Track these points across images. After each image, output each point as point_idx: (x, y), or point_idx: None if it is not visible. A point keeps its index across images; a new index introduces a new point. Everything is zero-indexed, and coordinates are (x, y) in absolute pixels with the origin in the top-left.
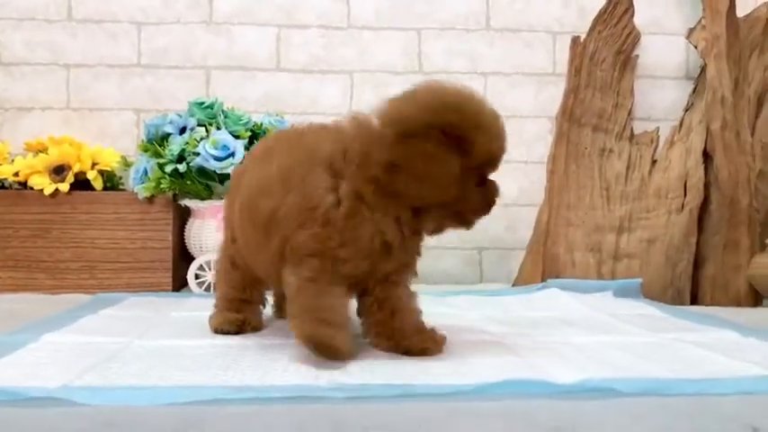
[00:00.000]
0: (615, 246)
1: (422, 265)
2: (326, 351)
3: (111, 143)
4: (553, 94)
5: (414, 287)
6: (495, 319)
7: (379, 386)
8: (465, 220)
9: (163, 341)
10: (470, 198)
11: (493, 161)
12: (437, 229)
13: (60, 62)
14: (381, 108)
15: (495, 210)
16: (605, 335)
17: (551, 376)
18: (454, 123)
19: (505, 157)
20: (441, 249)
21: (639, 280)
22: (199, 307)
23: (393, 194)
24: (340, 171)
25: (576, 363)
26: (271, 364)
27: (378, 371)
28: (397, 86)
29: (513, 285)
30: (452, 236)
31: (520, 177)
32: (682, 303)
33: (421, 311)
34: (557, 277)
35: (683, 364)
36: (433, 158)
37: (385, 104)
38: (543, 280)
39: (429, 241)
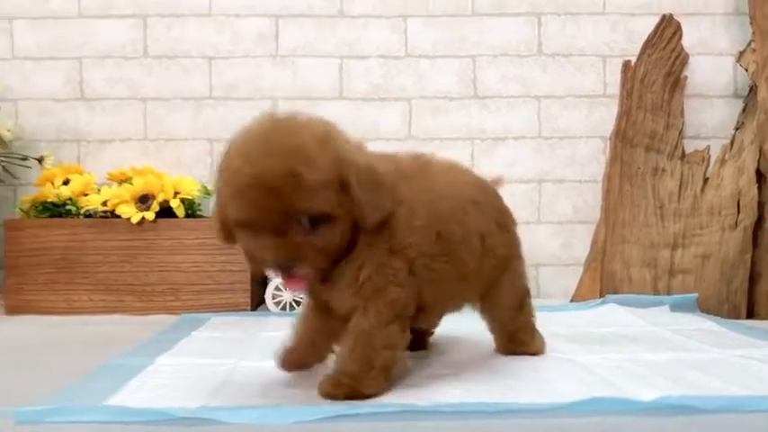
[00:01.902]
0: (670, 261)
1: None
2: None
3: (186, 171)
4: (604, 115)
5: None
6: (561, 336)
7: (476, 404)
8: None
9: (264, 362)
10: (241, 244)
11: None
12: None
13: (138, 96)
14: None
15: (550, 227)
16: (672, 351)
17: (632, 394)
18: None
19: (560, 176)
20: None
21: (695, 295)
22: (279, 326)
23: None
24: None
25: (651, 380)
26: None
27: (473, 389)
28: (454, 111)
29: (572, 301)
30: None
31: (574, 196)
32: (737, 317)
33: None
34: (614, 293)
35: (754, 381)
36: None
37: None
38: (601, 295)
39: None
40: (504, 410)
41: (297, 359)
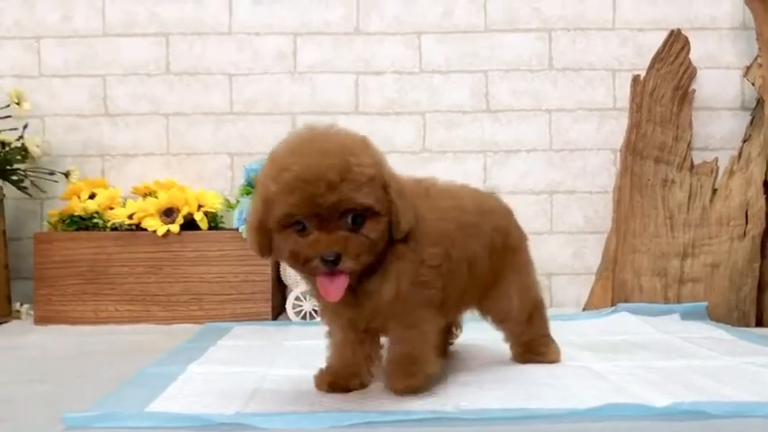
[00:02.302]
0: (680, 271)
1: None
2: None
3: (207, 185)
4: (614, 128)
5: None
6: (575, 344)
7: (500, 410)
8: (296, 267)
9: (292, 371)
10: (282, 251)
11: (296, 220)
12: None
13: (160, 112)
14: None
15: (562, 238)
16: (683, 359)
17: (646, 400)
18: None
19: (571, 188)
20: None
21: (705, 303)
22: (301, 336)
23: None
24: None
25: (663, 387)
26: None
27: (495, 395)
28: (467, 125)
29: (584, 309)
30: None
31: (585, 207)
32: (747, 325)
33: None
34: (626, 301)
35: (763, 387)
36: (250, 209)
37: None
38: (613, 304)
39: None
40: (526, 416)
41: (337, 383)
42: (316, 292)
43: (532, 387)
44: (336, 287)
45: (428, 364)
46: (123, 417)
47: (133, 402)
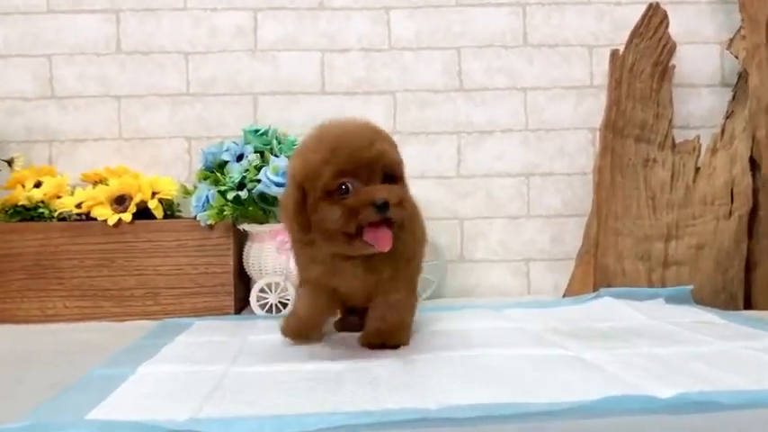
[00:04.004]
0: (664, 253)
1: (469, 278)
2: None
3: (163, 171)
4: (593, 106)
5: (462, 301)
6: (561, 332)
7: (489, 406)
8: (336, 238)
9: (257, 367)
10: (325, 216)
11: (343, 182)
12: (336, 248)
13: (111, 94)
14: None
15: (539, 221)
16: (676, 345)
17: (648, 391)
18: (296, 169)
19: (548, 169)
20: (487, 263)
21: (690, 287)
22: (267, 329)
23: None
24: None
25: (663, 376)
26: (374, 388)
27: (482, 389)
28: (440, 105)
29: (565, 296)
30: (498, 249)
31: (563, 189)
32: (735, 308)
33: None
34: (608, 286)
35: (763, 373)
36: (281, 206)
37: None
38: (595, 289)
39: (475, 254)
40: (520, 413)
41: (298, 329)
42: (360, 245)
43: (521, 380)
44: (386, 236)
45: (402, 336)
46: (58, 427)
47: (73, 410)
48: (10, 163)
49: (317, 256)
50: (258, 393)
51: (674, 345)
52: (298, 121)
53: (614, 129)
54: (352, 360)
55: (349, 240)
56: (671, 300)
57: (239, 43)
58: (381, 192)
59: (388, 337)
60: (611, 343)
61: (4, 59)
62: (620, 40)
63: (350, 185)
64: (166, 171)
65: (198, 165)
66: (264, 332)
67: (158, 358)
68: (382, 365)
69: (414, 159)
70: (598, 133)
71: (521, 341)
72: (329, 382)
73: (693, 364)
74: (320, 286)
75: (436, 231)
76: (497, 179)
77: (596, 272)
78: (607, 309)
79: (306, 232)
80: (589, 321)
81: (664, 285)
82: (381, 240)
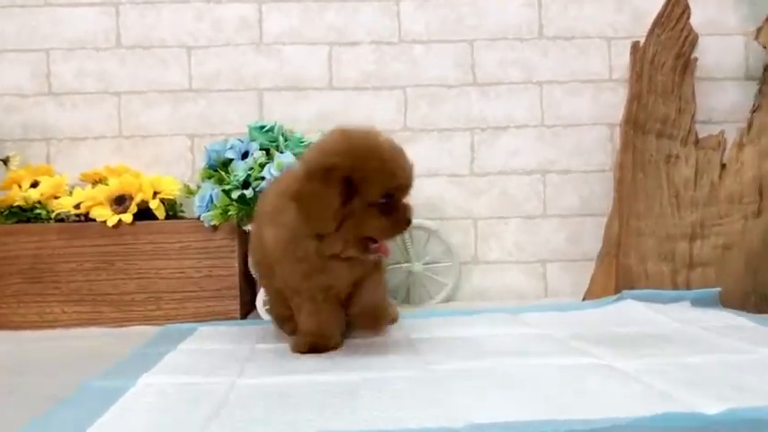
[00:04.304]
0: (689, 254)
1: (483, 280)
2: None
3: (165, 170)
4: (611, 101)
5: (477, 305)
6: (586, 338)
7: (523, 425)
8: (359, 244)
9: (265, 379)
10: (371, 225)
11: (389, 194)
12: (346, 252)
13: (111, 90)
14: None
15: (556, 221)
16: (713, 353)
17: (694, 406)
18: (340, 166)
19: (565, 166)
20: (502, 264)
21: (718, 289)
22: (278, 336)
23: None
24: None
25: (707, 389)
26: (394, 403)
27: (508, 406)
28: (452, 99)
29: (584, 299)
30: (513, 249)
31: (581, 187)
32: (766, 311)
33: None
34: (631, 288)
35: None
36: (315, 196)
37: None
38: (617, 292)
39: (489, 255)
40: (563, 430)
41: (317, 343)
42: (368, 252)
43: (552, 392)
44: (390, 247)
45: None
46: None
47: (68, 426)
48: (6, 162)
49: (308, 256)
50: (268, 410)
51: (707, 352)
52: (304, 117)
53: (635, 124)
54: (368, 370)
55: (366, 247)
56: (697, 303)
57: (243, 37)
58: (411, 210)
59: (380, 322)
60: (640, 350)
61: (0, 54)
62: (640, 31)
63: (394, 197)
64: (168, 170)
65: (201, 163)
66: (272, 339)
67: (160, 368)
68: (401, 377)
69: (425, 157)
70: (618, 129)
71: (545, 349)
72: (345, 395)
73: (732, 373)
74: (320, 294)
75: (449, 231)
76: (512, 177)
77: (618, 273)
78: (631, 312)
79: (331, 228)
80: (614, 326)
81: (689, 287)
82: (389, 250)
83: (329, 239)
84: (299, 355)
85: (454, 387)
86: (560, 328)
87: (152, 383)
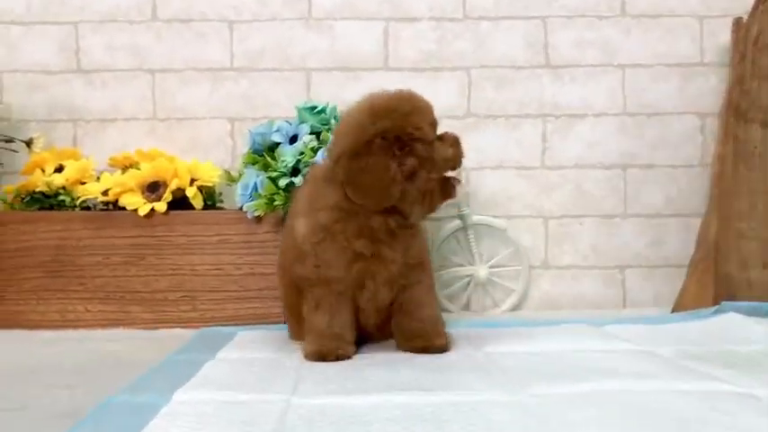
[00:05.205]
0: None
1: (554, 287)
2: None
3: (202, 155)
4: (702, 87)
5: (551, 314)
6: (697, 357)
7: None
8: (445, 189)
9: (325, 399)
10: (432, 165)
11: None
12: (425, 210)
13: (144, 67)
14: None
15: (638, 222)
16: None
17: None
18: (383, 129)
19: (649, 160)
20: (576, 269)
21: None
22: None
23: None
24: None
25: None
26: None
27: None
28: (521, 83)
29: (674, 310)
30: (588, 253)
31: (666, 184)
32: None
33: (438, 308)
34: (731, 299)
35: None
36: (368, 171)
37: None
38: (715, 303)
39: (561, 259)
40: None
41: (325, 349)
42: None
43: (699, 425)
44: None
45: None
46: None
47: None
48: (29, 144)
49: (362, 234)
50: None
51: None
52: (355, 100)
53: (737, 112)
54: (449, 391)
55: (445, 190)
56: None
57: (291, 11)
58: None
59: (434, 338)
60: None
61: (26, 27)
62: (738, 9)
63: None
64: (206, 156)
65: (242, 149)
66: None
67: (197, 381)
68: (493, 403)
69: (490, 146)
70: (709, 119)
71: (656, 369)
72: (427, 423)
73: None
74: (341, 289)
75: (517, 231)
76: (589, 171)
77: (716, 282)
78: (735, 327)
79: (395, 198)
80: (722, 343)
81: None
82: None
83: (402, 207)
84: (350, 367)
85: (564, 418)
86: (658, 344)
87: (188, 401)
